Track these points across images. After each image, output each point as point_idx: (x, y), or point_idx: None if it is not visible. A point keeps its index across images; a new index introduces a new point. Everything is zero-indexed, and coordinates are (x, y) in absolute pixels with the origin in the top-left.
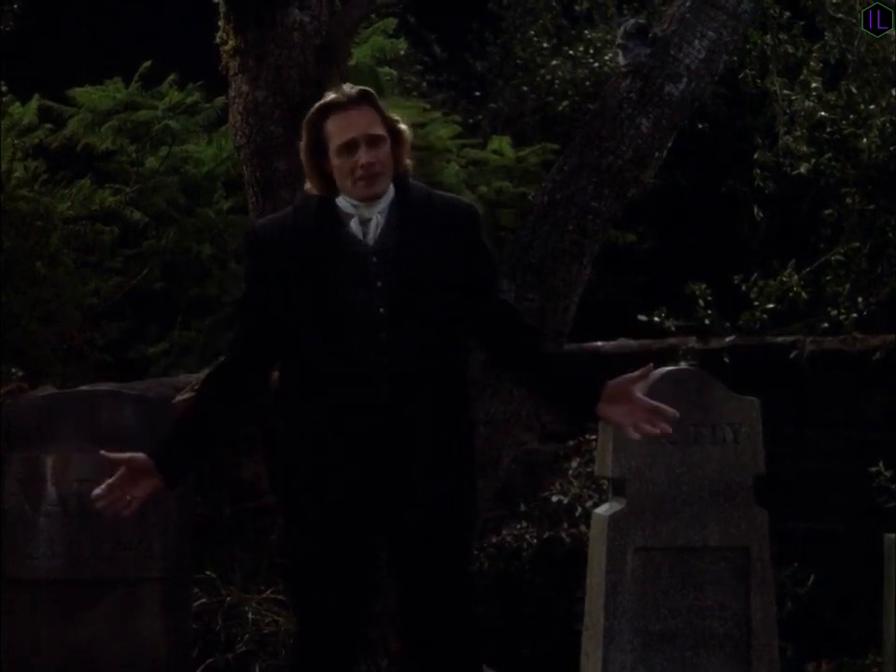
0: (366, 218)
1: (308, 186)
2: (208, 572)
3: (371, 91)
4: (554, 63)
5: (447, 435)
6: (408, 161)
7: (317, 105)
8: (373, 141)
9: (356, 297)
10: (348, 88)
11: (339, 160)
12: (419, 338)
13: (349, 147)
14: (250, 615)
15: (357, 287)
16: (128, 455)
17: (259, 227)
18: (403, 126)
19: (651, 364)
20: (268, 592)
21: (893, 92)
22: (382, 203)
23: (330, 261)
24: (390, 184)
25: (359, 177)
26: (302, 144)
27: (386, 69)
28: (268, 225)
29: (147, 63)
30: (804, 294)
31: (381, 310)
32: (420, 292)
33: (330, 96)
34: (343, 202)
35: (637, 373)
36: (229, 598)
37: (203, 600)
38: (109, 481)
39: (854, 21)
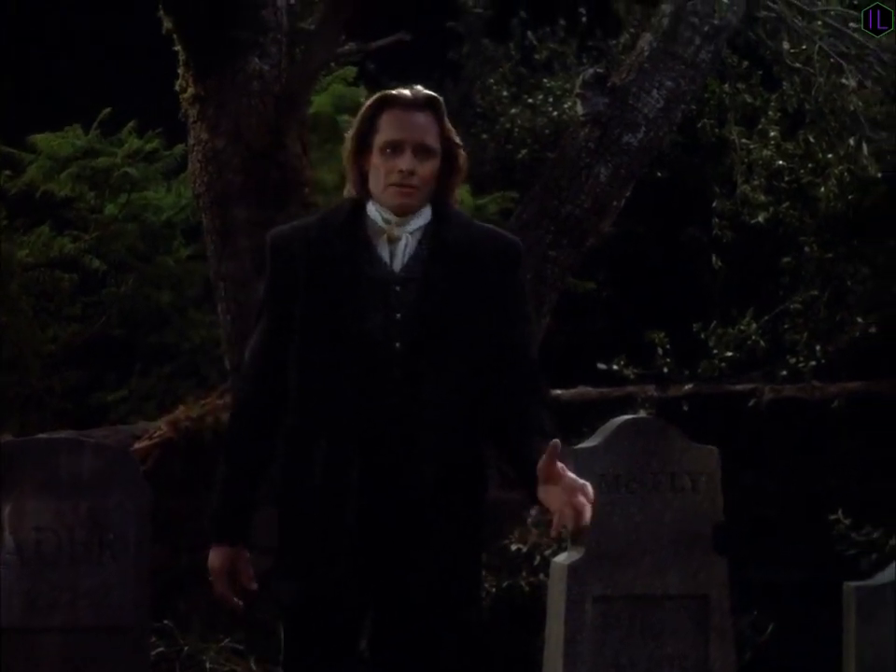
0: (395, 238)
1: (346, 189)
2: (166, 621)
3: (441, 100)
4: (514, 111)
5: (458, 498)
6: (457, 195)
7: (378, 95)
8: (423, 151)
9: (371, 326)
10: (420, 88)
11: (379, 158)
12: (436, 381)
13: (393, 148)
14: (208, 664)
15: (375, 315)
16: (237, 570)
17: (276, 236)
18: (462, 151)
19: (558, 441)
20: (226, 640)
21: (851, 142)
22: (414, 223)
23: (350, 283)
24: (426, 205)
25: (392, 182)
26: (350, 133)
27: (346, 117)
28: (287, 234)
29: (107, 110)
30: (762, 342)
31: (397, 344)
32: (442, 331)
33: (397, 90)
34: (373, 210)
35: (548, 451)
36: (187, 647)
37: (161, 649)
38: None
39: (812, 70)
